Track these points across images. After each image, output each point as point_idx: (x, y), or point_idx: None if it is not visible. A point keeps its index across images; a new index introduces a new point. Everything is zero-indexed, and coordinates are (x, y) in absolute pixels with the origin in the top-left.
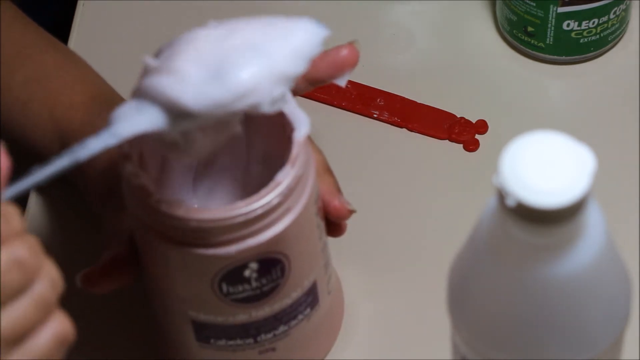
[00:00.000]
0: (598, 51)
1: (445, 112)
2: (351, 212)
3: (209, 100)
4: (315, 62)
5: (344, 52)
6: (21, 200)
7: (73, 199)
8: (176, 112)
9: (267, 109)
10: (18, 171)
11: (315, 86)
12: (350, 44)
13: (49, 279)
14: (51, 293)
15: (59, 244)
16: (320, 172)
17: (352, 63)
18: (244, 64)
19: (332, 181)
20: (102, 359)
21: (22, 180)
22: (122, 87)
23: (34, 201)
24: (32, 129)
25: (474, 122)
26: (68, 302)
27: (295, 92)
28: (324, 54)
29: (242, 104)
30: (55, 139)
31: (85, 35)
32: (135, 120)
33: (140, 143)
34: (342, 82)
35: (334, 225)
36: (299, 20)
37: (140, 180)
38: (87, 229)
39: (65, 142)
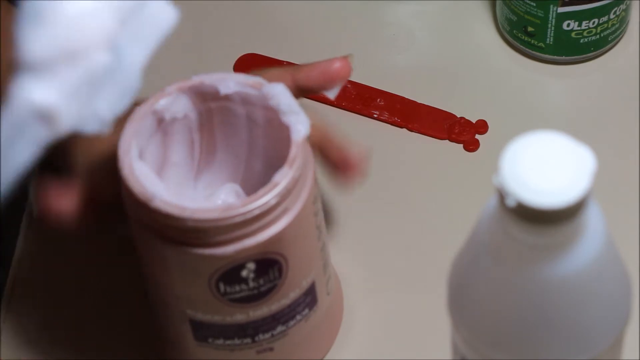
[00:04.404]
0: (598, 51)
1: (445, 112)
2: (347, 58)
3: None
4: (306, 71)
5: (337, 64)
6: (21, 201)
7: None
8: None
9: None
10: None
11: (305, 95)
12: (345, 57)
13: None
14: None
15: (59, 244)
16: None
17: (343, 76)
18: None
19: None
20: (101, 359)
21: None
22: None
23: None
24: None
25: (474, 122)
26: (68, 302)
27: None
28: (317, 64)
29: None
30: None
31: None
32: None
33: (140, 142)
34: (331, 94)
35: (342, 162)
36: None
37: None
38: (86, 230)
39: None
